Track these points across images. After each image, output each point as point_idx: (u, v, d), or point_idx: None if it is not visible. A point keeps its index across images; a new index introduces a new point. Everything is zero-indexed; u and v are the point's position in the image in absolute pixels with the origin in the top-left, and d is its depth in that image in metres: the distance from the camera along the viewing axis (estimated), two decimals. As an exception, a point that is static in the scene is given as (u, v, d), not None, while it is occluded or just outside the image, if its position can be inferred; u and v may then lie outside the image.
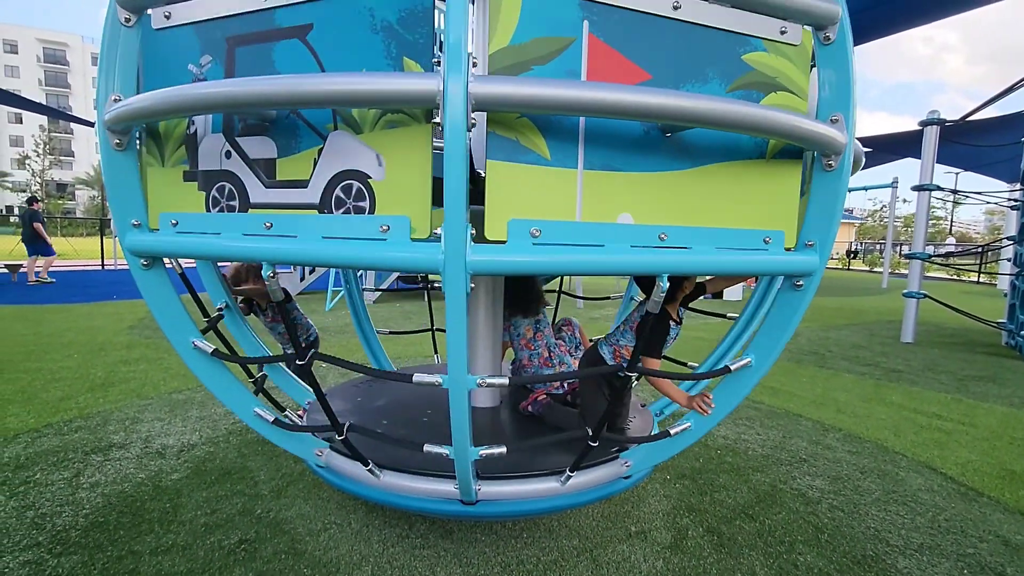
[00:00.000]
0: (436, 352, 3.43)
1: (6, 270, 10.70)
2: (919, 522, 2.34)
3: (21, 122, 60.87)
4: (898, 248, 24.15)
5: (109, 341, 5.38)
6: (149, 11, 1.39)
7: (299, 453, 1.97)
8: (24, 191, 38.60)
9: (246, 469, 2.64)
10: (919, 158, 7.14)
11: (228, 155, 1.42)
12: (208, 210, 1.45)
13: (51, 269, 11.01)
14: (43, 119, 55.20)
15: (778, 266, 1.52)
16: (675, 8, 1.27)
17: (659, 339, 1.96)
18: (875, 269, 24.75)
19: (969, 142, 7.65)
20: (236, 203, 1.42)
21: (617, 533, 2.18)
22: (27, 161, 30.80)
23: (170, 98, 1.26)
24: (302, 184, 1.35)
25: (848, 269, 25.98)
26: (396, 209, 1.27)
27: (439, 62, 1.20)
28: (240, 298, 2.51)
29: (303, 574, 1.86)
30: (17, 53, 62.27)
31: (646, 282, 2.13)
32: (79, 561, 1.88)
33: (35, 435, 2.95)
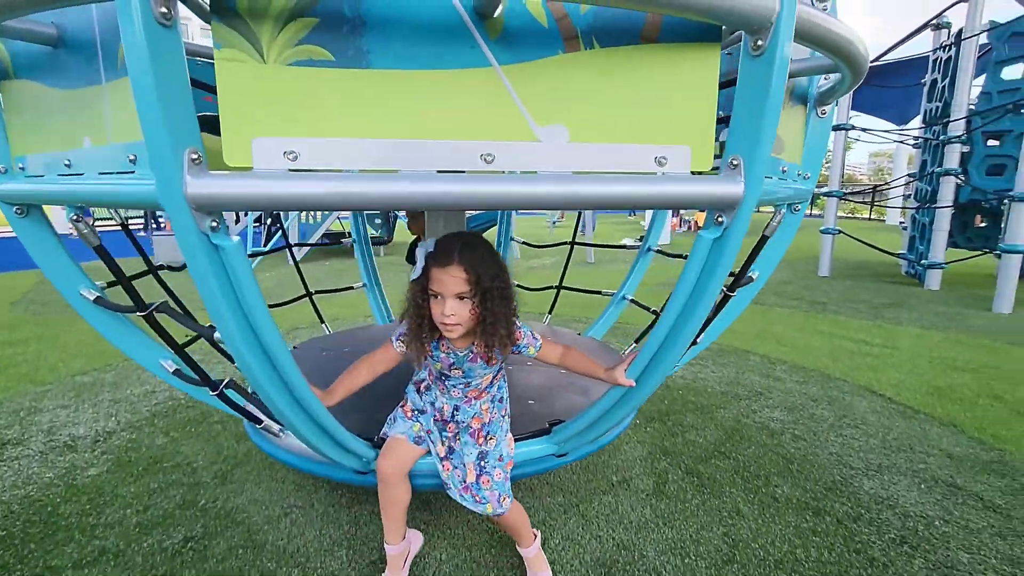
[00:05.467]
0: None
1: None
2: (872, 443, 2.47)
3: None
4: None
5: (-15, 320, 4.61)
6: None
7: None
8: None
9: (180, 455, 2.33)
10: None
11: None
12: None
13: None
14: None
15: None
16: None
17: None
18: (782, 209, 26.49)
19: (875, 84, 8.17)
20: None
21: (600, 485, 2.13)
22: None
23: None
24: None
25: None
26: None
27: None
28: None
29: (267, 569, 1.65)
30: None
31: None
32: (-20, 588, 1.56)
33: (-101, 439, 2.44)
